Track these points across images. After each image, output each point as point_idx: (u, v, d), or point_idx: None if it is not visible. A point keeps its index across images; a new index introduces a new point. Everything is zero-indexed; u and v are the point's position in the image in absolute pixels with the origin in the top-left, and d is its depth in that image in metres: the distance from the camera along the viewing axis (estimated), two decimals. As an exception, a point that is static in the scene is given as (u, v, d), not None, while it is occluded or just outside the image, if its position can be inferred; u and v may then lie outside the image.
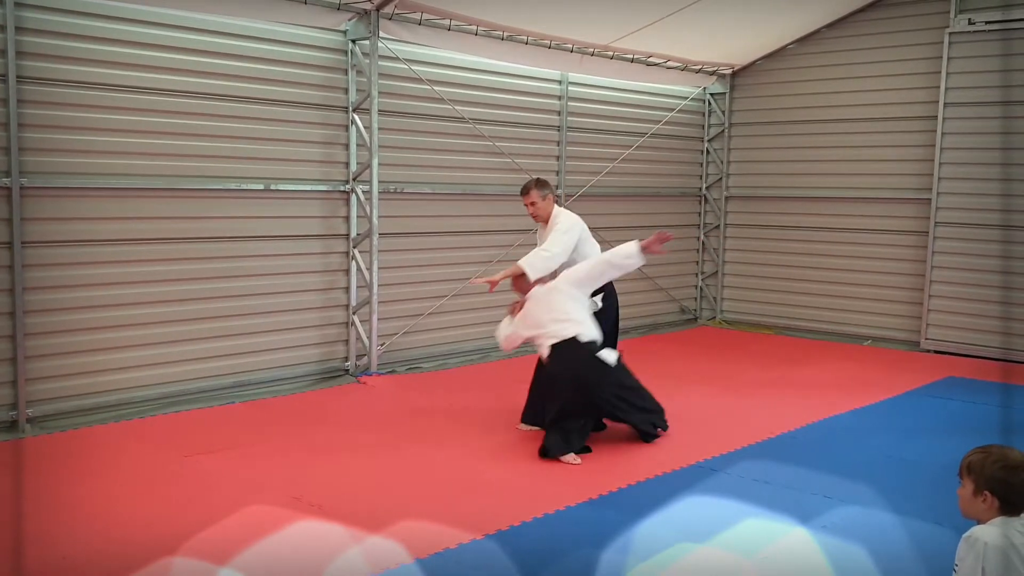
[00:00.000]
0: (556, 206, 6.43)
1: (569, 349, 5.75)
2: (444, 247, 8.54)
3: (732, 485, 5.17)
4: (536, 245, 6.57)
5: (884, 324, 9.97)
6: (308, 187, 7.52)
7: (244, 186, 7.11)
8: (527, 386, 6.38)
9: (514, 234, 8.91)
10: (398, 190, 8.05)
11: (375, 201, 7.66)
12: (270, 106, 7.20)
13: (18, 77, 5.87)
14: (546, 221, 6.39)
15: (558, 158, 9.50)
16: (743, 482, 5.24)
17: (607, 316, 6.42)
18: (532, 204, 6.35)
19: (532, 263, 6.04)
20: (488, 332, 8.91)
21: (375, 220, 7.67)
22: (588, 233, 6.42)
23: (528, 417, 6.32)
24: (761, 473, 5.38)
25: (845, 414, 6.90)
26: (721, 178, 11.16)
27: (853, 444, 6.10)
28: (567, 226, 6.21)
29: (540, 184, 6.37)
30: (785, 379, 8.12)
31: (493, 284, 6.07)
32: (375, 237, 7.69)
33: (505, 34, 8.40)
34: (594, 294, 6.35)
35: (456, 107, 8.36)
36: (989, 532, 2.89)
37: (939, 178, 9.37)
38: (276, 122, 7.25)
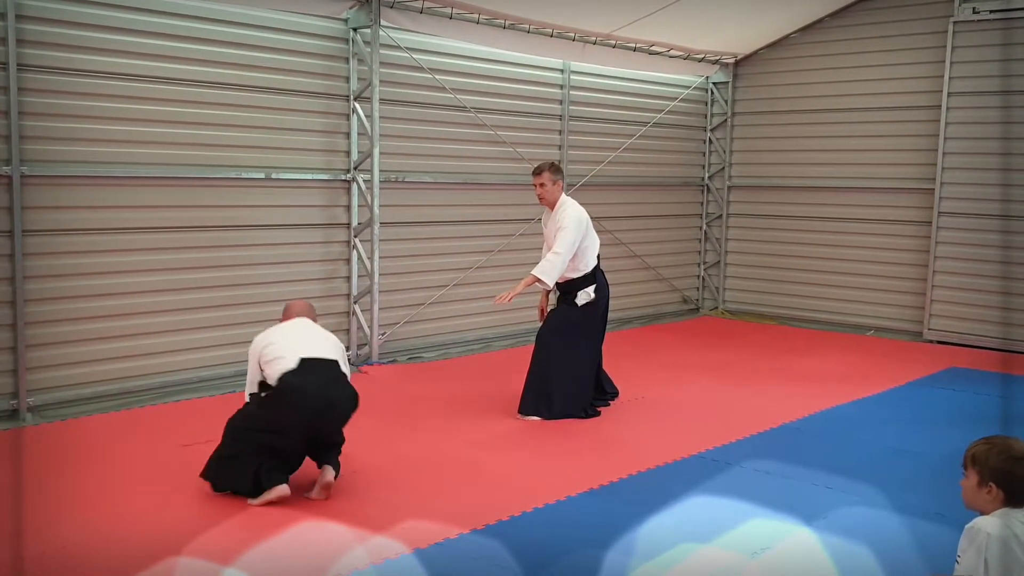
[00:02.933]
0: (563, 194, 6.50)
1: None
2: (445, 236, 8.52)
3: (734, 477, 5.16)
4: (542, 229, 6.67)
5: (887, 314, 9.95)
6: (309, 176, 7.49)
7: (244, 175, 7.08)
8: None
9: (516, 223, 8.89)
10: (399, 179, 8.02)
11: (376, 190, 7.64)
12: (271, 94, 7.17)
13: (19, 65, 5.85)
14: (551, 206, 6.46)
15: (560, 147, 9.46)
16: (745, 473, 5.23)
17: (597, 307, 6.51)
18: (541, 185, 6.42)
19: (546, 270, 6.23)
20: (489, 322, 8.92)
21: (376, 209, 7.65)
22: (590, 225, 6.46)
23: (527, 407, 6.34)
24: (763, 464, 5.37)
25: (847, 404, 6.89)
26: (724, 167, 11.13)
27: (855, 435, 6.09)
28: (573, 223, 6.28)
29: (554, 169, 6.46)
30: (787, 369, 8.10)
31: (513, 297, 6.25)
32: (376, 226, 7.67)
33: (507, 22, 8.36)
34: (586, 285, 6.38)
35: (458, 96, 8.32)
36: (991, 523, 2.88)
37: (943, 168, 9.33)
38: (277, 110, 7.22)
